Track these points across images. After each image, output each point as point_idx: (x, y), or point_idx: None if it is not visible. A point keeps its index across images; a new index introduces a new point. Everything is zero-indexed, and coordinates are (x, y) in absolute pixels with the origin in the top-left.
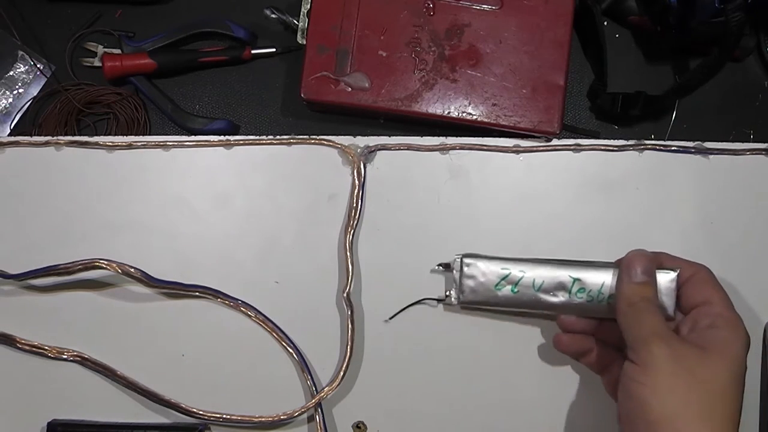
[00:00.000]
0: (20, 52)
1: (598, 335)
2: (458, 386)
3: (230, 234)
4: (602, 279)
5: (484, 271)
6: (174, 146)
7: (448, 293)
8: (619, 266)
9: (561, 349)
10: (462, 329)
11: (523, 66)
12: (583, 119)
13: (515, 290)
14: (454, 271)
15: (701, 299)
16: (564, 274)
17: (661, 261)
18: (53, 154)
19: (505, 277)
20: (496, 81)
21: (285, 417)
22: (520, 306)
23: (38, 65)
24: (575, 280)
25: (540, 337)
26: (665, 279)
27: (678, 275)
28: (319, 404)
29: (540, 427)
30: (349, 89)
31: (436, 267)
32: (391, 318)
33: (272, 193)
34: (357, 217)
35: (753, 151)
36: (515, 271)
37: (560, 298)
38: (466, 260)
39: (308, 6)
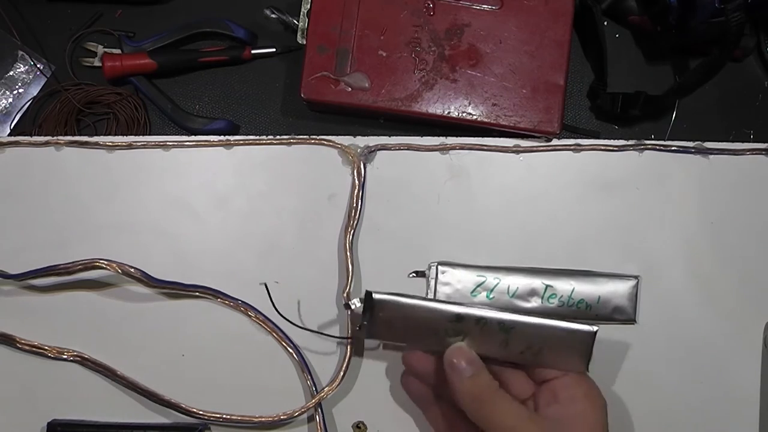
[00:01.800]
0: (20, 52)
1: (439, 390)
2: None
3: (230, 234)
4: (572, 285)
5: (460, 278)
6: (174, 146)
7: None
8: (445, 368)
9: (408, 392)
10: None
11: (523, 66)
12: (583, 119)
13: (490, 296)
14: (429, 279)
15: (554, 372)
16: (537, 281)
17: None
18: (53, 154)
19: (480, 284)
20: (496, 81)
21: (285, 417)
22: None
23: (38, 65)
24: (547, 286)
25: None
26: (627, 286)
27: (638, 281)
28: (319, 404)
29: None
30: (349, 89)
31: (411, 275)
32: (360, 326)
33: (272, 193)
34: (357, 217)
35: (753, 151)
36: (490, 278)
37: (533, 303)
38: (441, 267)
39: (308, 6)
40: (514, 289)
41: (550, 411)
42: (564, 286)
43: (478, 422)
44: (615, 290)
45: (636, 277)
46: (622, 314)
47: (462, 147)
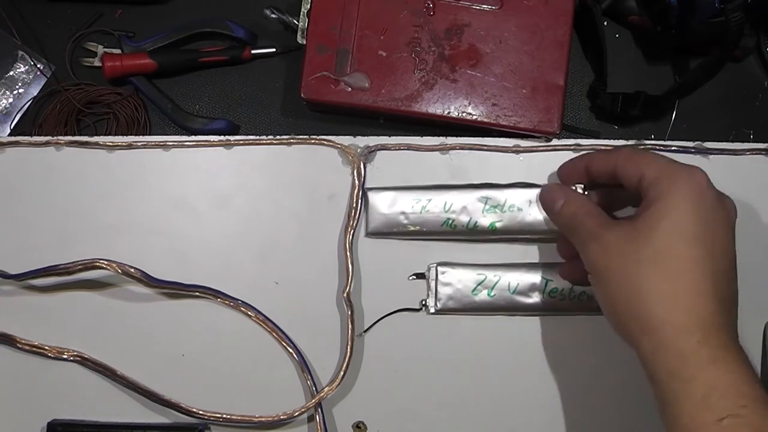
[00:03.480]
0: (20, 52)
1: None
2: (458, 386)
3: (230, 234)
4: None
5: (460, 277)
6: (174, 146)
7: (424, 302)
8: (539, 203)
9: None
10: (462, 329)
11: (523, 66)
12: (583, 119)
13: (491, 294)
14: (430, 280)
15: (636, 174)
16: (536, 276)
17: (581, 168)
18: (53, 154)
19: (481, 282)
20: (496, 81)
21: (285, 417)
22: (497, 310)
23: (38, 65)
24: (547, 280)
25: (539, 337)
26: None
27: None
28: (319, 404)
29: (539, 425)
30: (349, 89)
31: (411, 277)
32: (365, 331)
33: (272, 193)
34: (357, 217)
35: (753, 151)
36: (490, 275)
37: (535, 298)
38: (441, 268)
39: (308, 6)
40: (514, 286)
41: (637, 214)
42: (564, 280)
43: (575, 245)
44: None
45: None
46: None
47: (462, 147)
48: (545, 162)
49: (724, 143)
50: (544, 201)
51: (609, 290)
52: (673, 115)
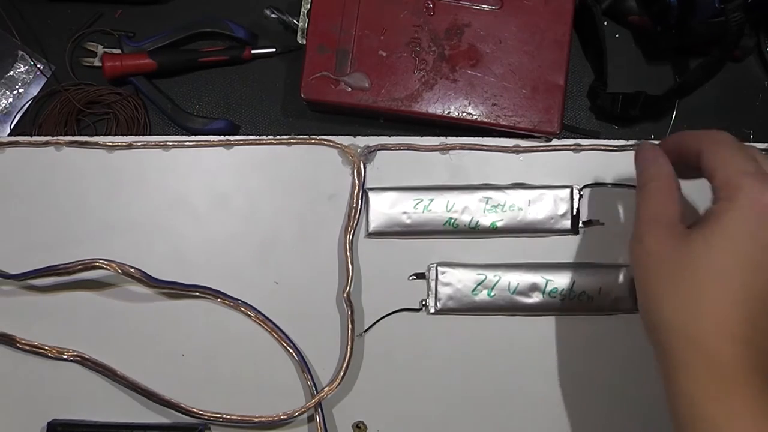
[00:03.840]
0: (20, 52)
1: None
2: (458, 386)
3: (230, 234)
4: (572, 278)
5: (460, 277)
6: (174, 146)
7: (425, 302)
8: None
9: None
10: (462, 329)
11: (523, 66)
12: (583, 119)
13: (492, 294)
14: (430, 280)
15: (708, 170)
16: (537, 276)
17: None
18: (53, 154)
19: (481, 282)
20: (496, 81)
21: (285, 417)
22: (497, 310)
23: (38, 65)
24: (548, 280)
25: (539, 337)
26: (627, 276)
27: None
28: (319, 404)
29: (539, 425)
30: (349, 89)
31: (411, 277)
32: (365, 331)
33: (272, 193)
34: (357, 217)
35: None
36: (490, 276)
37: (535, 298)
38: (441, 268)
39: (308, 6)
40: (514, 286)
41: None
42: (564, 280)
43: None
44: (615, 281)
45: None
46: (624, 304)
47: (462, 147)
48: (545, 162)
49: None
50: (641, 160)
51: (656, 289)
52: (673, 115)
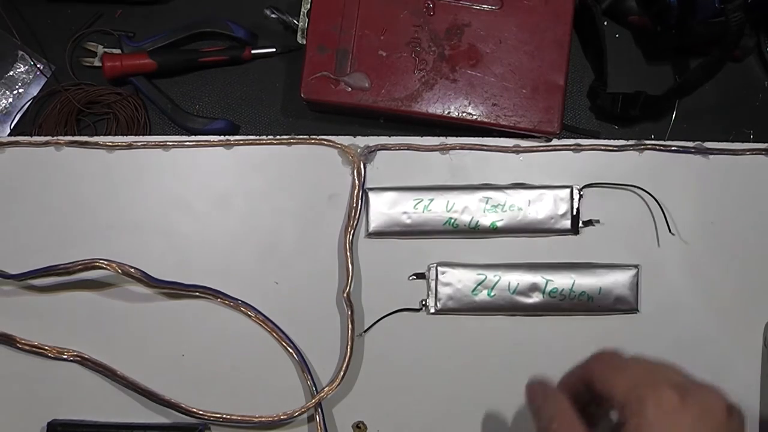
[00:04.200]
0: (20, 52)
1: None
2: (458, 385)
3: (230, 234)
4: (572, 278)
5: (460, 277)
6: (174, 146)
7: (425, 302)
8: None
9: None
10: (462, 329)
11: (523, 66)
12: (583, 119)
13: (492, 294)
14: (430, 280)
15: (606, 395)
16: (537, 276)
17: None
18: (53, 154)
19: (481, 282)
20: (496, 81)
21: (285, 417)
22: (497, 310)
23: (38, 65)
24: (548, 280)
25: (539, 337)
26: (627, 275)
27: (638, 270)
28: (319, 404)
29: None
30: (349, 89)
31: (411, 277)
32: (365, 331)
33: (272, 193)
34: (357, 217)
35: (753, 151)
36: (490, 276)
37: (535, 298)
38: (441, 268)
39: (308, 6)
40: (515, 286)
41: None
42: (564, 280)
43: None
44: (616, 280)
45: (636, 266)
46: (624, 304)
47: (462, 147)
48: (545, 162)
49: (724, 143)
50: (532, 399)
51: None
52: (673, 115)
